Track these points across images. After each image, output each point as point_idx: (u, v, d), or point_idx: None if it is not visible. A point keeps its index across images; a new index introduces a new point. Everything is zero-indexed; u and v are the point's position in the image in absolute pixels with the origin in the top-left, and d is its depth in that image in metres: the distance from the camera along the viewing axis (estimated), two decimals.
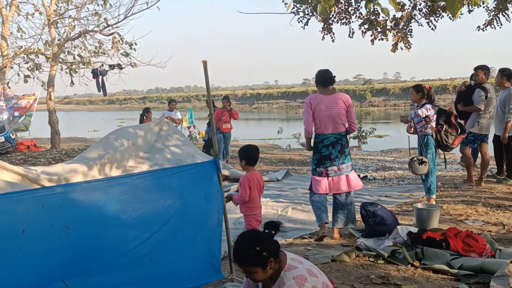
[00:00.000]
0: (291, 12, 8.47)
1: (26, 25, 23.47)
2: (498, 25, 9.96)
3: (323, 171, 5.42)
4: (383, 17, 8.83)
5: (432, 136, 6.29)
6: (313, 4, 4.17)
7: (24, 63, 16.37)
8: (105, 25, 15.18)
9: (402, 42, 8.96)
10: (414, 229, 4.92)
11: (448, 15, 9.24)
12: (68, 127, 29.33)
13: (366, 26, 8.96)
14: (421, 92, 6.38)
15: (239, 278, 4.02)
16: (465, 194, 7.16)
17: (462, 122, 6.83)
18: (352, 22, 9.44)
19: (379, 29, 8.96)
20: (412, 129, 6.51)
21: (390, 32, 8.98)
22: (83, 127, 36.04)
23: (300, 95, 73.80)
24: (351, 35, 9.66)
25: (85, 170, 8.04)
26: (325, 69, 5.55)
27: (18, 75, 16.37)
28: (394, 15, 8.83)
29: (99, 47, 15.98)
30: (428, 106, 6.26)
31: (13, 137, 14.33)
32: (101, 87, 15.05)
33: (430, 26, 9.44)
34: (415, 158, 6.23)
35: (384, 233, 5.05)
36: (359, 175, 9.50)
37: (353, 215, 5.58)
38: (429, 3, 9.03)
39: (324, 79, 5.44)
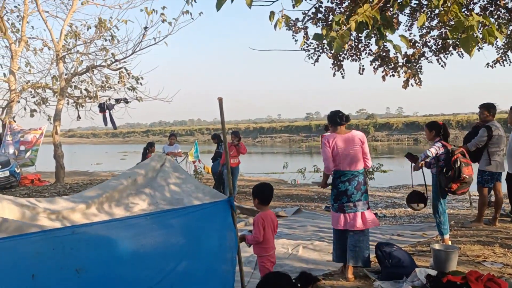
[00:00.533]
0: (301, 49, 8.53)
1: (35, 60, 23.80)
2: (507, 62, 10.02)
3: (339, 206, 5.43)
4: (394, 53, 8.89)
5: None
6: (327, 41, 4.14)
7: (31, 97, 16.51)
8: (113, 60, 15.35)
9: (413, 78, 8.98)
10: (433, 272, 4.76)
11: (458, 52, 9.30)
12: (71, 160, 29.32)
13: (377, 62, 9.01)
14: (434, 130, 6.27)
15: None
16: (481, 234, 6.98)
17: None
18: (362, 58, 9.53)
19: (390, 66, 9.00)
20: (422, 163, 6.36)
21: (402, 69, 9.02)
22: (86, 160, 36.06)
23: (303, 129, 74.11)
24: (361, 72, 9.72)
25: (83, 208, 8.03)
26: (336, 110, 5.62)
27: (25, 109, 16.49)
28: (406, 52, 8.89)
29: (106, 81, 16.13)
30: (438, 144, 6.12)
31: (17, 171, 14.24)
32: (110, 120, 15.10)
33: (440, 63, 9.50)
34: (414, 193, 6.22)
35: (402, 276, 4.89)
36: None
37: (366, 254, 5.43)
38: (440, 41, 9.10)
39: (335, 120, 5.53)
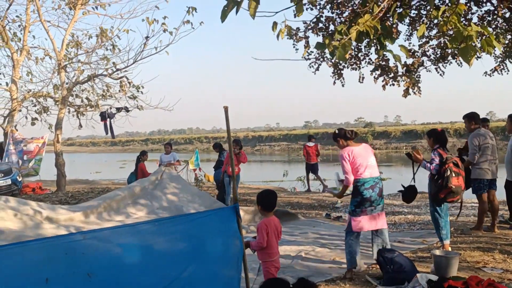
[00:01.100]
0: (303, 58, 8.66)
1: (36, 69, 23.85)
2: (505, 71, 10.14)
3: (362, 211, 5.76)
4: (394, 63, 9.02)
5: None
6: (330, 50, 4.25)
7: (32, 106, 16.60)
8: (114, 69, 15.47)
9: (412, 88, 9.10)
10: (434, 277, 4.83)
11: (456, 61, 9.43)
12: (71, 169, 29.27)
13: (378, 71, 9.13)
14: (432, 137, 6.40)
15: None
16: (480, 241, 7.06)
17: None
18: (362, 67, 9.66)
19: (390, 75, 9.12)
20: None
21: (402, 78, 9.14)
22: (85, 168, 36.06)
23: (301, 137, 74.10)
24: (361, 80, 9.83)
25: (81, 217, 8.15)
26: (340, 128, 6.02)
27: (26, 118, 16.58)
28: (405, 62, 9.00)
29: (107, 90, 16.24)
30: (435, 153, 6.21)
31: (19, 179, 14.29)
32: (109, 129, 15.17)
33: (438, 72, 9.63)
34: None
35: (403, 281, 4.96)
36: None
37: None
38: (439, 50, 9.22)
39: (345, 135, 5.88)
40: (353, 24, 4.51)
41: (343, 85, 9.87)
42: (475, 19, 9.09)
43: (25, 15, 16.36)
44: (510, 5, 7.61)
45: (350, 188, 5.94)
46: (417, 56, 9.22)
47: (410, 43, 9.91)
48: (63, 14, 16.39)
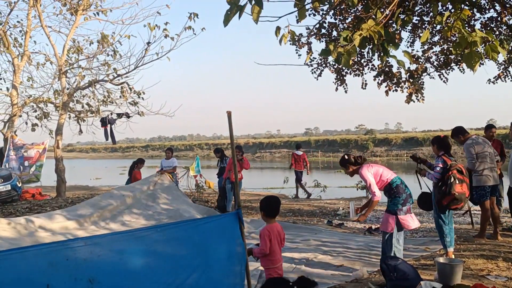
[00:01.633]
0: (305, 64, 8.64)
1: (37, 74, 24.02)
2: (509, 78, 10.13)
3: (408, 209, 5.93)
4: (397, 68, 9.00)
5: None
6: (334, 57, 4.22)
7: (33, 112, 16.57)
8: (115, 75, 15.45)
9: (416, 94, 9.08)
10: (438, 285, 4.77)
11: (459, 68, 9.41)
12: (70, 175, 29.22)
13: (381, 77, 9.12)
14: (437, 144, 6.41)
15: None
16: (484, 248, 7.00)
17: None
18: (365, 73, 9.65)
19: (393, 81, 9.11)
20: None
21: (405, 84, 9.12)
22: (85, 175, 36.03)
23: (302, 144, 74.21)
24: (363, 87, 9.82)
25: (76, 226, 8.14)
26: (343, 156, 6.24)
27: (26, 123, 16.53)
28: (409, 68, 8.98)
29: (108, 96, 16.21)
30: (438, 160, 6.27)
31: (19, 185, 14.24)
32: (110, 135, 15.14)
33: (442, 79, 9.62)
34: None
35: None
36: (371, 227, 9.48)
37: None
38: (442, 57, 9.21)
39: (356, 161, 6.09)
40: (356, 30, 4.49)
41: (346, 91, 9.86)
42: (478, 25, 9.10)
43: (26, 20, 16.38)
44: None
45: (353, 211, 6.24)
46: (420, 62, 9.21)
47: (412, 49, 9.93)
48: (64, 20, 16.47)
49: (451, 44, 7.50)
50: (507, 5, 7.71)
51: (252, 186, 21.15)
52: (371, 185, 5.85)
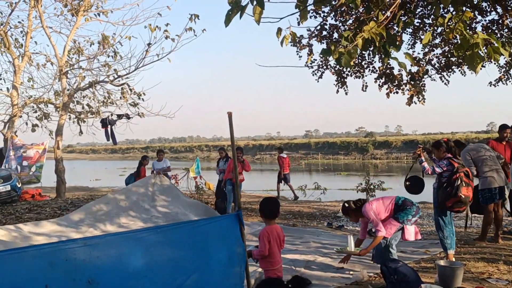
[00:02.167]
0: (306, 66, 8.62)
1: (37, 75, 23.99)
2: (510, 81, 10.13)
3: (416, 220, 6.11)
4: (398, 70, 9.00)
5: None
6: (335, 57, 4.21)
7: (33, 112, 16.56)
8: (115, 76, 15.46)
9: (417, 96, 9.07)
10: None
11: (460, 70, 9.41)
12: (70, 176, 29.21)
13: (382, 79, 9.11)
14: (441, 147, 6.45)
15: None
16: (484, 251, 6.98)
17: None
18: (366, 75, 9.64)
19: (395, 83, 9.10)
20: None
21: (406, 86, 9.11)
22: (85, 175, 36.01)
23: (302, 146, 74.21)
24: (364, 89, 9.81)
25: (71, 229, 8.12)
26: (349, 201, 6.33)
27: (27, 124, 16.52)
28: (410, 70, 8.98)
29: (108, 97, 16.20)
30: (444, 162, 6.30)
31: (19, 185, 14.22)
32: (111, 136, 15.13)
33: (443, 81, 9.61)
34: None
35: None
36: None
37: None
38: (443, 59, 9.21)
39: (357, 206, 6.16)
40: (357, 32, 4.48)
41: (346, 93, 9.84)
42: (479, 28, 9.09)
43: (27, 21, 16.39)
44: None
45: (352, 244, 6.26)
46: (422, 65, 9.20)
47: (413, 51, 9.93)
48: (65, 21, 16.48)
49: (452, 46, 7.49)
50: (509, 8, 7.69)
51: (252, 188, 21.11)
52: (374, 221, 5.90)
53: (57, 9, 16.30)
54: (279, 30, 5.01)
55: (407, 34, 9.53)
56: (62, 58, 15.63)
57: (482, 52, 4.30)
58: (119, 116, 15.65)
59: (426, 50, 9.43)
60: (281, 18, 4.90)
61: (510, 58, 9.13)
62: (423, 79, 9.36)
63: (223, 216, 4.45)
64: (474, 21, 8.94)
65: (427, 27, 8.78)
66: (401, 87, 9.18)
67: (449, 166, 6.24)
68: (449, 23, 4.51)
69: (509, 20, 8.18)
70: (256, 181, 28.23)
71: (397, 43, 5.83)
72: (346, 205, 6.23)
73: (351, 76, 9.70)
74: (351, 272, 6.20)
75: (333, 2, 5.39)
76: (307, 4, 4.73)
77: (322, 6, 6.29)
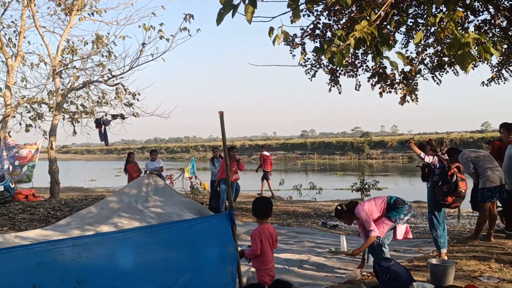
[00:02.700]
0: (299, 64, 8.61)
1: (31, 75, 23.82)
2: (502, 80, 10.17)
3: (408, 219, 6.20)
4: (391, 70, 9.01)
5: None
6: (328, 56, 4.21)
7: (27, 112, 16.48)
8: (110, 76, 15.40)
9: (410, 95, 9.09)
10: (430, 286, 4.77)
11: (453, 70, 9.44)
12: (65, 177, 29.14)
13: (375, 78, 9.12)
14: (426, 148, 6.56)
15: None
16: (477, 250, 7.01)
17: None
18: (359, 75, 9.66)
19: (387, 82, 9.12)
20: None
21: (399, 85, 9.13)
22: (80, 176, 35.89)
23: (298, 146, 74.23)
24: (357, 88, 9.83)
25: (58, 234, 8.09)
26: (341, 204, 6.32)
27: (20, 124, 16.43)
28: (403, 69, 9.00)
29: (103, 97, 16.15)
30: (435, 158, 6.42)
31: (12, 186, 14.15)
32: (104, 136, 15.07)
33: (435, 81, 9.64)
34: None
35: None
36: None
37: None
38: (436, 58, 9.23)
39: (350, 208, 6.15)
40: (350, 31, 4.48)
41: (339, 92, 9.84)
42: (471, 28, 9.12)
43: (20, 20, 16.29)
44: (507, 14, 7.62)
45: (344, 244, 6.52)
46: (414, 64, 9.22)
47: (407, 50, 9.96)
48: (58, 20, 16.42)
49: (444, 45, 7.51)
50: (501, 8, 7.73)
51: (248, 188, 21.09)
52: (367, 222, 5.91)
53: (50, 9, 16.27)
54: (271, 29, 5.01)
55: (400, 33, 9.57)
56: (56, 58, 15.56)
57: (473, 52, 4.31)
58: (114, 116, 15.58)
59: (419, 49, 9.45)
60: (273, 17, 4.89)
61: (502, 58, 9.18)
62: (415, 79, 9.38)
63: (215, 216, 4.45)
64: (467, 20, 8.97)
65: (420, 27, 8.80)
66: (394, 87, 9.20)
67: (440, 162, 6.35)
68: (440, 23, 4.51)
69: (501, 20, 8.21)
70: (252, 181, 28.18)
71: (390, 42, 5.85)
72: (339, 208, 6.26)
73: (344, 75, 9.71)
74: (344, 272, 6.20)
75: (325, 1, 5.39)
76: (299, 3, 4.72)
77: (315, 5, 6.28)
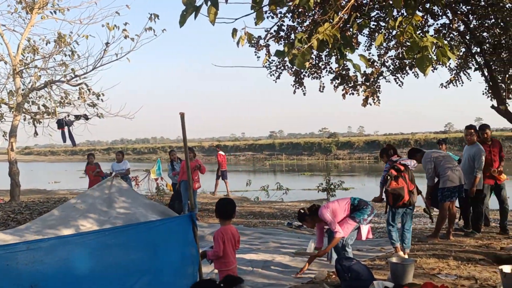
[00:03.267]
0: (263, 66, 8.64)
1: None
2: (460, 83, 10.48)
3: (371, 220, 6.41)
4: (353, 72, 9.15)
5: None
6: (289, 58, 4.24)
7: None
8: (72, 76, 15.08)
9: (372, 97, 9.25)
10: (390, 284, 4.86)
11: (413, 72, 9.66)
12: (28, 179, 28.38)
13: (338, 80, 9.24)
14: (384, 155, 7.10)
15: None
16: (436, 248, 7.19)
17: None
18: (323, 76, 9.77)
19: (350, 84, 9.25)
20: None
21: (361, 87, 9.28)
22: (44, 178, 35.00)
23: (266, 147, 74.40)
24: (321, 90, 9.93)
25: (16, 238, 7.88)
26: (303, 209, 6.49)
27: None
28: (365, 71, 9.15)
29: (65, 97, 15.77)
30: (387, 165, 6.88)
31: None
32: (69, 137, 14.73)
33: (397, 83, 9.85)
34: None
35: None
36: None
37: None
38: (397, 61, 9.43)
39: (312, 211, 6.27)
40: (314, 33, 4.52)
41: (304, 94, 9.94)
42: (431, 31, 9.37)
43: None
44: (464, 19, 7.86)
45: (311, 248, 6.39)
46: (376, 66, 9.39)
47: (369, 53, 10.13)
48: (19, 18, 15.78)
49: (405, 48, 7.69)
50: (458, 12, 7.96)
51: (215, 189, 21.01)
52: (332, 223, 5.98)
53: (10, 6, 15.80)
54: (235, 31, 5.01)
55: (363, 36, 9.73)
56: (16, 57, 15.11)
57: (431, 54, 4.42)
58: (77, 117, 15.24)
59: (381, 52, 9.64)
60: (236, 19, 4.88)
61: (460, 61, 9.45)
62: (377, 81, 9.56)
63: (175, 217, 4.41)
64: (427, 24, 9.20)
65: (382, 30, 8.97)
66: (356, 88, 9.35)
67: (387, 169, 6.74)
68: (400, 26, 4.61)
69: (458, 24, 8.45)
70: (220, 182, 28.12)
71: (353, 45, 5.94)
72: (302, 211, 6.34)
73: (308, 77, 9.81)
74: (308, 272, 6.25)
75: (289, 3, 5.42)
76: (262, 5, 4.73)
77: (278, 7, 6.30)
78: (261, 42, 8.96)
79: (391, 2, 5.30)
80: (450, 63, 9.65)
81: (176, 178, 12.38)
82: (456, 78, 10.55)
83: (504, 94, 9.62)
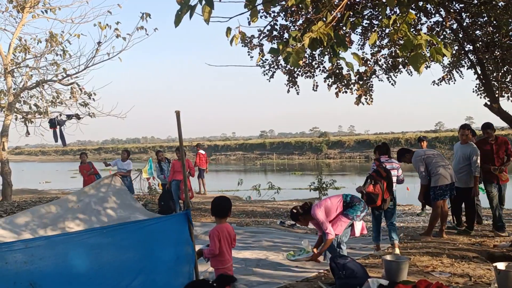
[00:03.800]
0: (257, 65, 8.65)
1: None
2: (452, 81, 10.57)
3: (364, 216, 6.44)
4: (347, 71, 9.19)
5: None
6: (283, 56, 4.24)
7: None
8: (64, 75, 14.98)
9: (365, 96, 9.29)
10: (385, 282, 4.89)
11: (407, 70, 9.71)
12: (19, 178, 28.17)
13: (331, 79, 9.27)
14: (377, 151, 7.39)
15: None
16: (429, 246, 7.24)
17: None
18: (316, 75, 9.80)
19: (343, 83, 9.29)
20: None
21: (354, 86, 9.32)
22: (34, 178, 34.76)
23: (257, 147, 74.49)
24: (315, 88, 9.96)
25: (15, 237, 7.82)
26: (296, 207, 6.44)
27: None
28: (358, 70, 9.19)
29: (57, 96, 15.66)
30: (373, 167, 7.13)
31: None
32: (60, 137, 14.62)
33: (390, 82, 9.90)
34: None
35: (355, 286, 4.99)
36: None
37: None
38: (390, 60, 9.48)
39: (305, 209, 6.25)
40: (307, 32, 4.52)
41: (297, 93, 9.97)
42: (424, 29, 9.44)
43: None
44: (457, 17, 7.91)
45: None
46: (369, 65, 9.44)
47: (363, 52, 10.16)
48: (10, 17, 15.63)
49: (398, 47, 7.73)
50: (451, 10, 8.02)
51: (208, 189, 21.00)
52: (324, 223, 6.01)
53: (1, 5, 15.64)
54: (228, 30, 5.01)
55: (357, 34, 9.77)
56: (7, 56, 14.99)
57: (425, 52, 4.45)
58: (69, 117, 15.12)
59: (374, 50, 9.68)
60: (230, 18, 4.89)
61: (453, 59, 9.52)
62: (370, 79, 9.61)
63: (171, 215, 4.41)
64: (420, 22, 9.25)
65: (375, 28, 9.01)
66: (350, 87, 9.39)
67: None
68: (394, 24, 4.63)
69: (451, 22, 8.51)
70: (212, 182, 28.12)
71: (346, 43, 5.96)
72: (294, 211, 6.34)
73: (301, 76, 9.83)
74: (302, 270, 6.27)
75: (282, 2, 5.44)
76: (256, 4, 4.73)
77: (272, 6, 6.32)
78: (255, 41, 8.98)
79: (384, 0, 5.33)
80: (443, 61, 9.72)
81: (166, 178, 12.38)
82: (449, 76, 10.64)
83: (496, 92, 9.72)
